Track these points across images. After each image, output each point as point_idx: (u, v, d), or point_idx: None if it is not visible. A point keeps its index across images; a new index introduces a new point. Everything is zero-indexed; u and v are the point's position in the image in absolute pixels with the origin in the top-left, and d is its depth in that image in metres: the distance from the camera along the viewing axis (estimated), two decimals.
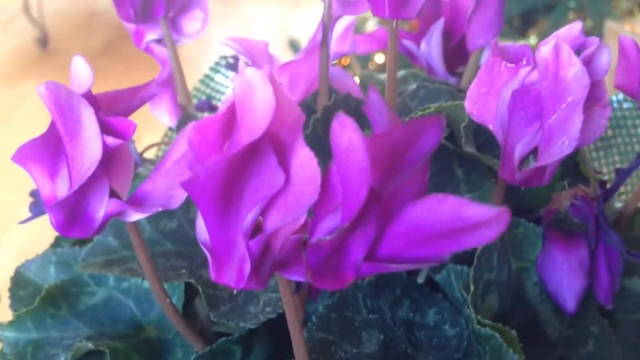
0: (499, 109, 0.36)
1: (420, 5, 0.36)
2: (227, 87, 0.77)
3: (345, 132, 0.28)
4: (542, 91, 0.33)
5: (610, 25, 1.94)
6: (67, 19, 5.24)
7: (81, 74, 0.33)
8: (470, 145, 0.42)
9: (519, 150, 0.36)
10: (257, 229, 0.30)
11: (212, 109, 0.65)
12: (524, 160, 0.37)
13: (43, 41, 4.50)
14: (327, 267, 0.31)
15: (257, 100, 0.28)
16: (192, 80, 0.75)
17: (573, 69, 0.32)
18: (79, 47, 4.61)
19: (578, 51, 0.34)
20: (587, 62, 0.34)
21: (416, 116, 0.45)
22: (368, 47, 0.59)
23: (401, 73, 0.67)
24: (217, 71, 0.78)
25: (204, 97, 0.76)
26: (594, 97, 0.34)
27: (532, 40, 2.00)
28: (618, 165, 0.70)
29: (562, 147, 0.33)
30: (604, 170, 0.70)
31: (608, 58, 0.34)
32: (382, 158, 0.31)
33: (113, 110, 0.35)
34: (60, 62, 4.35)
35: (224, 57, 0.75)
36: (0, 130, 3.25)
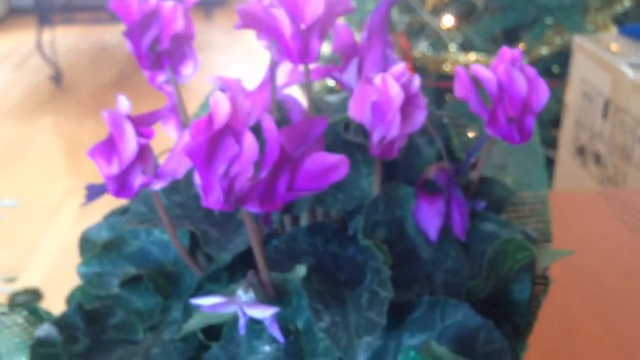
0: (367, 113, 0.62)
1: (316, 55, 0.62)
2: None
3: (267, 123, 0.54)
4: (382, 102, 0.59)
5: (577, 40, 2.17)
6: (79, 55, 5.46)
7: (124, 105, 0.59)
8: (360, 136, 0.68)
9: (376, 136, 0.61)
10: (226, 175, 0.54)
11: None
12: (381, 140, 0.62)
13: (57, 78, 4.72)
14: (266, 195, 0.55)
15: (220, 108, 0.54)
16: (198, 97, 1.02)
17: (394, 89, 0.58)
18: (91, 82, 4.82)
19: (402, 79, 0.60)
20: (407, 85, 0.59)
21: (332, 119, 0.72)
22: (311, 77, 0.84)
23: (344, 94, 0.93)
24: None
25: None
26: (414, 104, 0.60)
27: None
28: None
29: (392, 132, 0.59)
30: None
31: (418, 82, 0.59)
32: (293, 137, 0.57)
33: (142, 123, 0.61)
34: (74, 96, 4.56)
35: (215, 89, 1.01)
36: (19, 164, 3.47)
